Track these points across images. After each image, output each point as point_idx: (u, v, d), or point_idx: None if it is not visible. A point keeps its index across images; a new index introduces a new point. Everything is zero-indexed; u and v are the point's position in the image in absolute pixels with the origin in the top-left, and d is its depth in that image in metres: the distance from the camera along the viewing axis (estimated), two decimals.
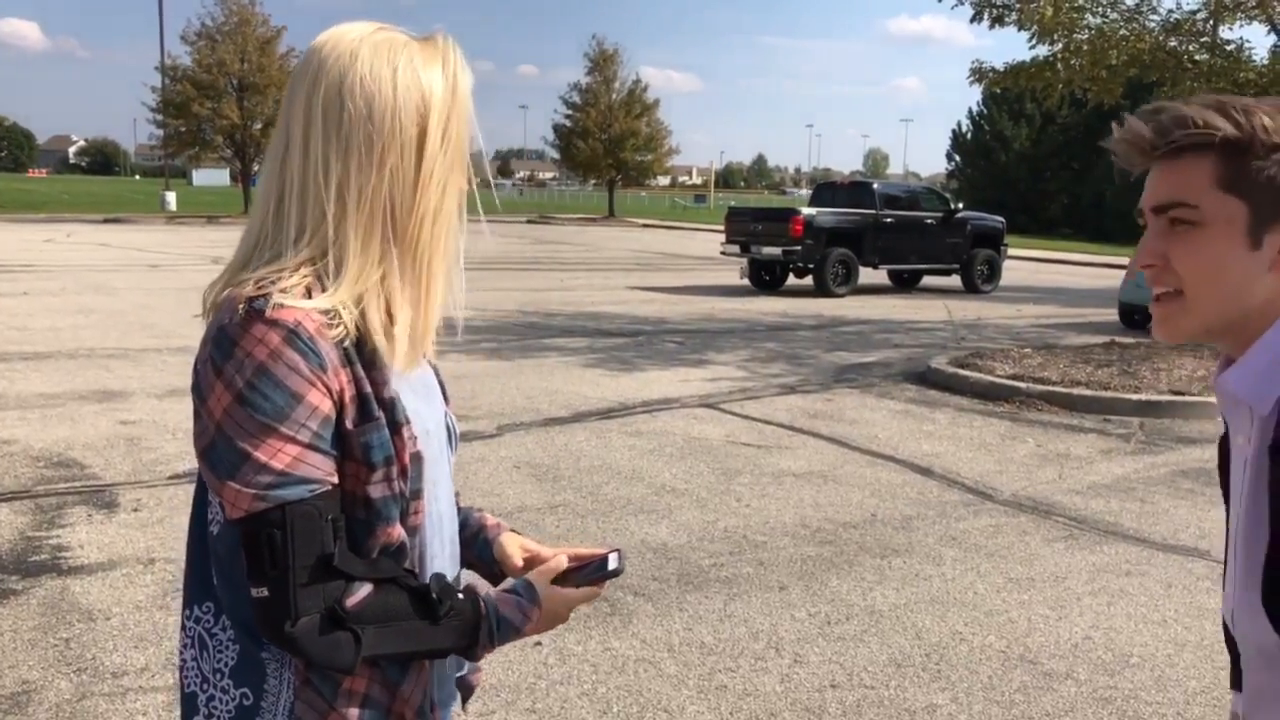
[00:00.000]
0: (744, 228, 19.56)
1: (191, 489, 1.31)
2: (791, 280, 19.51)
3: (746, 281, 19.26)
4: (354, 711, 1.26)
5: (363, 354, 1.23)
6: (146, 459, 6.37)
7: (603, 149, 49.15)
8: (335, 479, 1.20)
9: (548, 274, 21.00)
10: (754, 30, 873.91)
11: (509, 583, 1.43)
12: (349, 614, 1.19)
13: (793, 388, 9.40)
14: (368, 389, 1.22)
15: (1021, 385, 9.05)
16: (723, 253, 20.25)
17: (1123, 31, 12.22)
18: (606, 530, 5.26)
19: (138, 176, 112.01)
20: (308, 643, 1.18)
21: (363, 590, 1.22)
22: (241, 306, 1.17)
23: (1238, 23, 12.61)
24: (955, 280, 20.70)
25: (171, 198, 43.77)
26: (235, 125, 39.51)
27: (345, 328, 1.21)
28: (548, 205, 72.82)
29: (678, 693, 3.63)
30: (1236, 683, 1.39)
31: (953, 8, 12.17)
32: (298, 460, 1.16)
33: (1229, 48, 12.36)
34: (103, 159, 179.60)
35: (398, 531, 1.25)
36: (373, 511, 1.23)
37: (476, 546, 1.53)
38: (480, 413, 7.83)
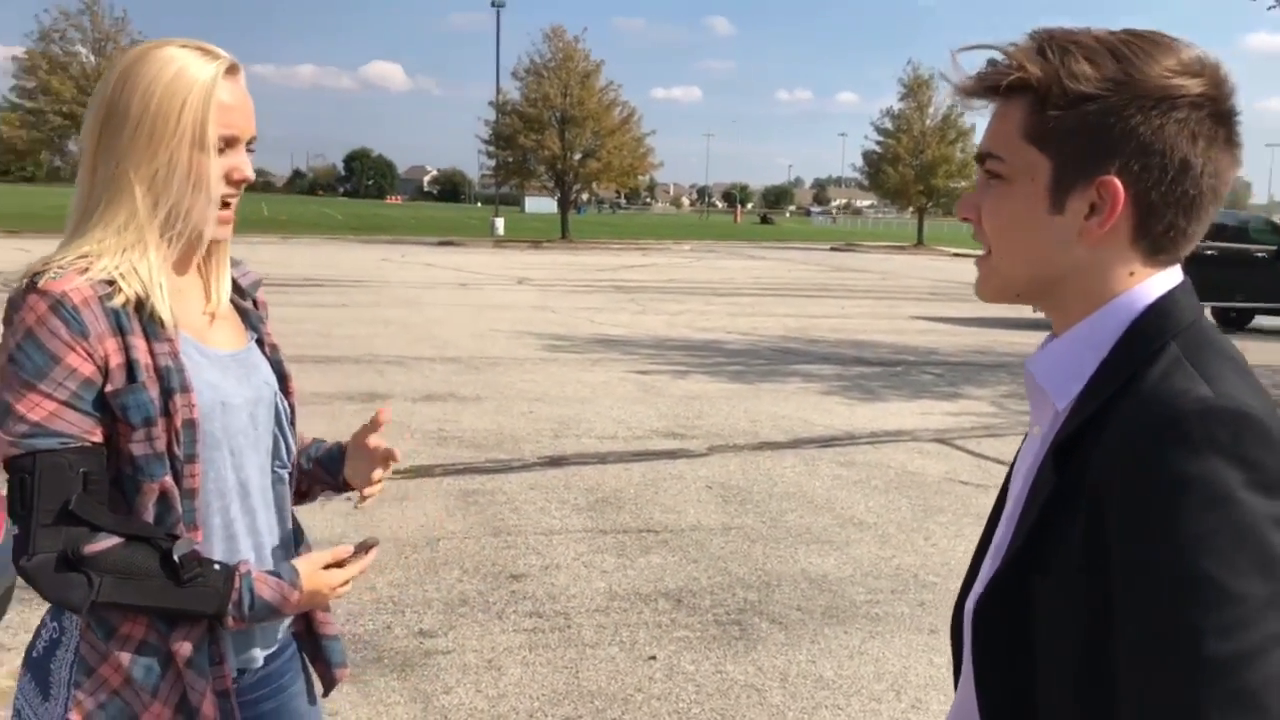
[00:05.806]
0: None
1: None
2: None
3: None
4: (127, 656, 1.39)
5: (144, 323, 1.37)
6: None
7: (913, 175, 48.05)
8: (96, 437, 1.35)
9: (831, 301, 20.76)
10: None
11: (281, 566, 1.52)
12: (85, 559, 1.33)
13: None
14: (137, 355, 1.36)
15: None
16: None
17: None
18: (770, 557, 5.17)
19: (479, 204, 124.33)
20: (40, 577, 1.33)
21: (108, 541, 1.34)
22: (24, 281, 1.35)
23: None
24: None
25: (500, 223, 47.28)
26: (556, 155, 42.13)
27: (126, 298, 1.36)
28: (857, 233, 72.13)
29: None
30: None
31: (1269, 9, 10.99)
32: (53, 415, 1.32)
33: None
34: (451, 187, 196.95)
35: (166, 488, 1.38)
36: (136, 467, 1.37)
37: (327, 459, 1.70)
38: (697, 432, 7.91)
